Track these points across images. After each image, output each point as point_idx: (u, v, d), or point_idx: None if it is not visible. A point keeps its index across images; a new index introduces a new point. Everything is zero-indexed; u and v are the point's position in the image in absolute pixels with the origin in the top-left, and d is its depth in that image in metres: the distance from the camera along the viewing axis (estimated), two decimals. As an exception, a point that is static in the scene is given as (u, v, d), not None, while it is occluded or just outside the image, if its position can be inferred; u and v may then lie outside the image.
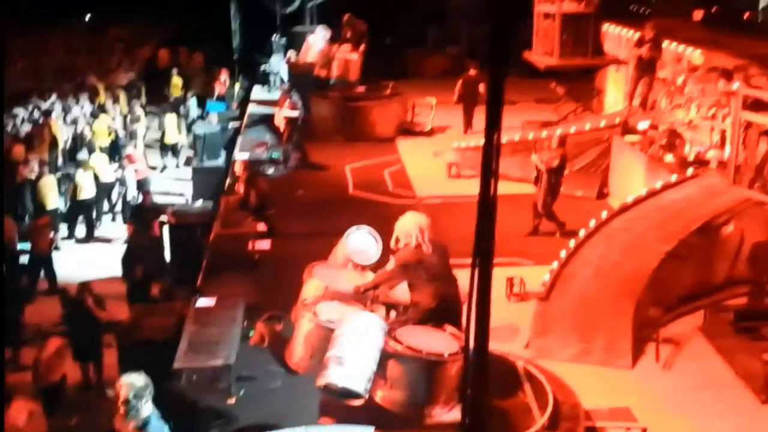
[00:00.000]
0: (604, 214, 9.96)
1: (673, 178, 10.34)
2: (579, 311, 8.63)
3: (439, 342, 6.37)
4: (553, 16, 13.87)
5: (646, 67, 12.93)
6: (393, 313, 6.95)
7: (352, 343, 6.21)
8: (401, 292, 7.21)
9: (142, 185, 15.17)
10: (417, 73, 19.14)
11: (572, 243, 9.42)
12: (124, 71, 21.27)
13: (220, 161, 15.74)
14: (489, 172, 1.83)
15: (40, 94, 18.65)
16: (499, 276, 9.41)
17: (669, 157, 11.09)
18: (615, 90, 15.82)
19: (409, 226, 6.70)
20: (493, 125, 1.73)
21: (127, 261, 10.97)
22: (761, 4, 20.06)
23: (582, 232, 9.68)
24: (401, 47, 20.49)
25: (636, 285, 8.78)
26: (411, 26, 21.67)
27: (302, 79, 15.98)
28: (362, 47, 16.46)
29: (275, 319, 7.67)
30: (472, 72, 15.56)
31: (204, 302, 8.61)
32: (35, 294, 12.45)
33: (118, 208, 15.47)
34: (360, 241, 7.78)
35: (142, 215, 12.65)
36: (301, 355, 6.57)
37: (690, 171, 10.40)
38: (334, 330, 6.35)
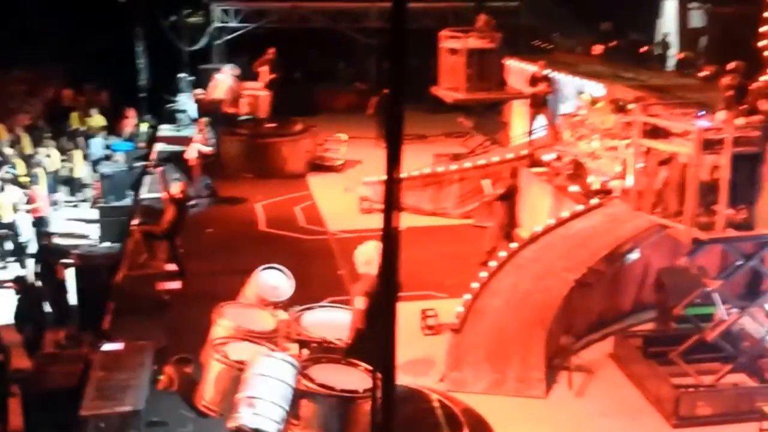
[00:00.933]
0: (514, 245, 10.13)
1: (579, 207, 10.59)
2: (492, 342, 8.69)
3: (353, 379, 6.30)
4: (459, 51, 14.15)
5: (541, 103, 13.34)
6: (305, 351, 6.86)
7: (262, 384, 6.09)
8: (318, 328, 7.14)
9: (42, 225, 14.62)
10: (326, 108, 19.22)
11: (484, 274, 9.53)
12: (25, 113, 20.63)
13: (127, 201, 15.32)
14: (391, 205, 1.80)
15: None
16: (414, 309, 9.45)
17: (574, 188, 11.37)
18: (521, 123, 16.20)
19: (371, 253, 6.67)
20: (393, 160, 1.70)
21: (25, 307, 10.54)
22: (657, 38, 21.01)
23: (493, 263, 9.81)
24: (310, 83, 20.56)
25: (547, 314, 8.92)
26: (320, 63, 21.79)
27: (211, 117, 15.79)
28: (270, 84, 16.40)
29: (184, 361, 7.45)
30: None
31: (111, 347, 8.33)
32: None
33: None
34: (271, 279, 7.69)
35: (44, 257, 12.17)
36: (212, 397, 6.41)
37: (595, 200, 10.67)
38: (245, 371, 6.22)
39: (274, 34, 18.66)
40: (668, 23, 20.79)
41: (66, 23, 19.64)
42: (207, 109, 15.77)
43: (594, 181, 11.18)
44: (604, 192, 10.87)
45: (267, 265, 7.69)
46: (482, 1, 17.08)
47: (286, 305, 7.60)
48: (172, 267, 10.81)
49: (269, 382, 6.09)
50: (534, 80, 13.37)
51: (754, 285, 9.62)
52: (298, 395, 6.15)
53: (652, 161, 8.51)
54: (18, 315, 10.64)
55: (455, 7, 19.91)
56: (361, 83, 20.92)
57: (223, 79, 15.91)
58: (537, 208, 12.14)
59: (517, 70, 15.82)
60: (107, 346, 8.34)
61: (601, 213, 10.37)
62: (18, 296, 10.93)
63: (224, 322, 6.92)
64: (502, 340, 8.67)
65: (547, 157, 12.58)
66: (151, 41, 21.20)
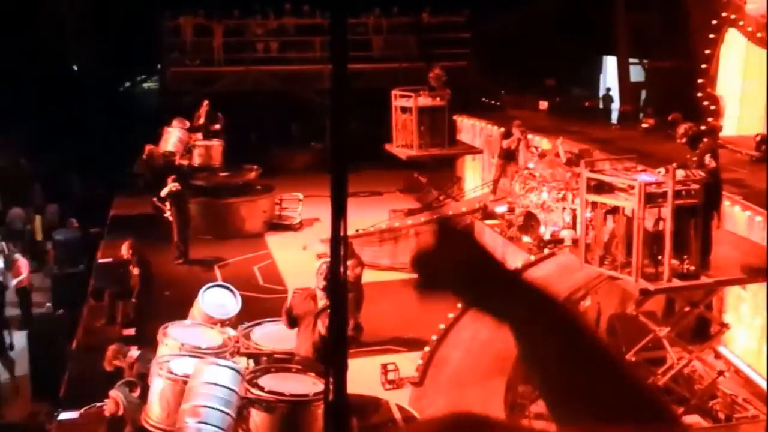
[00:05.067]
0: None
1: (531, 258, 10.85)
2: (452, 393, 8.78)
3: (303, 386, 6.35)
4: (410, 109, 14.53)
5: (511, 156, 13.64)
6: (252, 364, 6.91)
7: (207, 392, 6.04)
8: (267, 341, 7.20)
9: (26, 295, 14.44)
10: (282, 168, 19.40)
11: (442, 326, 9.67)
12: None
13: (81, 267, 15.16)
14: (337, 260, 1.95)
15: None
16: (374, 364, 9.53)
17: (526, 238, 11.66)
18: (473, 176, 16.59)
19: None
20: (338, 215, 1.86)
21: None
22: (600, 93, 21.74)
23: (451, 315, 9.96)
24: (266, 143, 20.77)
25: (505, 363, 9.05)
26: (275, 124, 22.04)
27: (163, 170, 15.55)
28: (220, 132, 16.49)
29: (129, 384, 7.34)
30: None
31: (67, 416, 8.22)
32: None
33: None
34: (216, 297, 7.72)
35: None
36: (158, 415, 6.35)
37: (546, 250, 10.95)
38: (189, 382, 6.20)
39: (228, 98, 18.88)
40: (610, 78, 21.57)
41: (19, 91, 19.64)
42: (158, 162, 15.67)
43: (545, 232, 11.49)
44: (555, 242, 11.15)
45: (212, 284, 7.74)
46: (431, 62, 17.57)
47: (234, 323, 7.64)
48: (129, 331, 10.74)
49: (213, 390, 6.03)
50: (508, 134, 13.68)
51: (703, 328, 9.92)
52: (247, 403, 6.12)
53: (599, 213, 8.84)
54: None
55: (406, 67, 20.43)
56: (316, 143, 21.20)
57: (173, 132, 15.91)
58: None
59: (469, 125, 16.26)
60: (63, 416, 8.22)
61: (553, 262, 10.63)
62: None
63: (169, 341, 6.90)
64: (462, 391, 8.76)
65: (499, 209, 12.89)
66: (106, 107, 21.26)
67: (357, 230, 13.56)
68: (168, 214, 14.23)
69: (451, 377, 9.00)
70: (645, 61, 20.26)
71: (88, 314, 11.21)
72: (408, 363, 9.50)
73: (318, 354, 6.74)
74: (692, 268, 8.42)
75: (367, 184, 17.18)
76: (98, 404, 7.86)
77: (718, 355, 10.04)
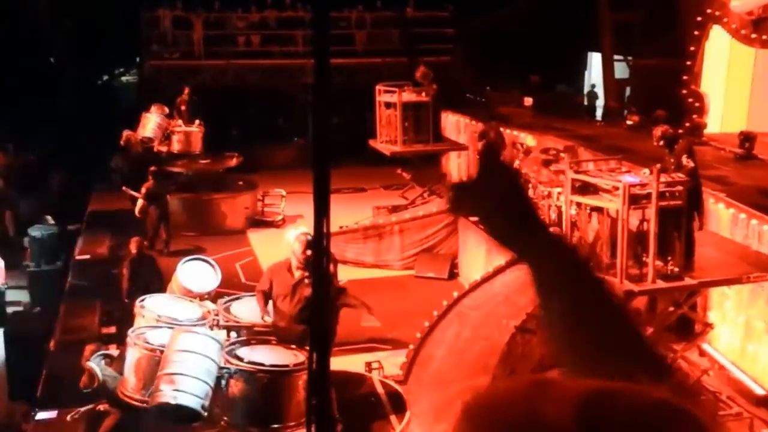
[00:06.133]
0: (456, 294, 10.23)
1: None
2: (436, 391, 8.72)
3: (283, 357, 6.30)
4: (394, 105, 14.43)
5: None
6: (234, 335, 6.84)
7: (183, 360, 5.95)
8: (247, 314, 7.12)
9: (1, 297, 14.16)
10: (265, 165, 19.23)
11: (427, 324, 9.59)
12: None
13: (55, 265, 14.90)
14: (321, 256, 1.87)
15: None
16: (358, 362, 9.43)
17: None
18: (458, 173, 16.50)
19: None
20: (321, 211, 1.75)
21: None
22: (585, 89, 21.72)
23: (435, 313, 9.88)
24: (248, 138, 20.60)
25: (489, 361, 9.00)
26: (257, 119, 21.86)
27: (141, 157, 15.31)
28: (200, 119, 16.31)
29: (105, 357, 7.20)
30: None
31: (44, 416, 8.07)
32: None
33: None
34: (194, 270, 7.63)
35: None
36: (134, 385, 6.24)
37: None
38: (167, 351, 6.09)
39: (209, 92, 18.68)
40: (594, 75, 21.56)
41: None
42: (137, 149, 15.44)
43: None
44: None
45: (191, 257, 7.64)
46: (415, 57, 17.48)
47: (213, 297, 7.55)
48: (109, 330, 10.55)
49: (190, 358, 5.94)
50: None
51: (686, 325, 9.91)
52: (227, 374, 6.04)
53: (584, 213, 8.80)
54: None
55: (389, 62, 20.31)
56: (299, 138, 21.04)
57: (152, 117, 15.67)
58: (475, 257, 12.30)
59: (454, 122, 16.17)
60: (40, 415, 8.08)
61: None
62: None
63: (146, 312, 6.79)
64: (446, 389, 8.70)
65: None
66: (84, 101, 20.97)
67: (341, 227, 13.44)
68: (138, 206, 14.01)
69: (434, 375, 8.94)
70: (629, 58, 20.26)
71: (65, 312, 11.02)
72: (393, 361, 9.40)
73: (296, 324, 6.73)
74: (676, 269, 8.43)
75: (351, 181, 17.06)
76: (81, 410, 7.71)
77: (702, 353, 10.03)
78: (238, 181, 16.82)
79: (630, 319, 1.48)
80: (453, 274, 13.07)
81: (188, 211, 15.82)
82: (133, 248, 10.71)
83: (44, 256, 14.97)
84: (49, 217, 16.63)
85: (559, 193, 10.91)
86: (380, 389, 7.35)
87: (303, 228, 7.34)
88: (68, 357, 9.70)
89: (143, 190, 13.93)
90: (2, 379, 10.83)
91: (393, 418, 6.92)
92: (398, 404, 6.90)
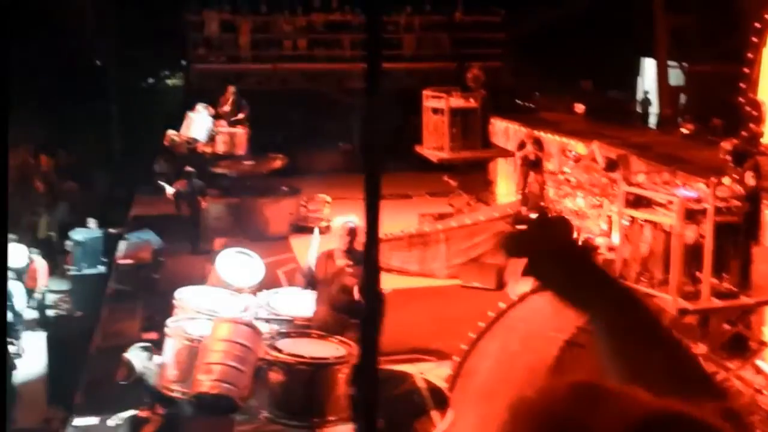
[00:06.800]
0: (503, 305, 9.91)
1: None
2: (482, 405, 8.44)
3: (324, 350, 6.15)
4: (442, 110, 14.16)
5: (532, 165, 13.31)
6: (274, 327, 6.73)
7: (222, 349, 5.84)
8: (287, 308, 7.04)
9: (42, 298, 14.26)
10: (309, 170, 19.11)
11: (472, 335, 9.31)
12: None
13: (100, 269, 14.90)
14: (372, 264, 1.68)
15: None
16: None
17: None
18: (506, 181, 16.16)
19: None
20: (373, 222, 1.56)
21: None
22: (638, 96, 21.19)
23: (481, 324, 9.59)
24: (292, 143, 20.52)
25: (536, 375, 8.69)
26: (301, 124, 21.77)
27: (186, 159, 15.24)
28: (244, 120, 16.19)
29: (145, 349, 7.13)
30: None
31: (82, 422, 7.98)
32: None
33: None
34: (234, 263, 7.57)
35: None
36: (174, 376, 6.13)
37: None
38: (206, 341, 5.99)
39: (253, 96, 18.62)
40: (648, 81, 21.02)
41: (37, 86, 19.48)
42: (181, 150, 15.36)
43: (579, 239, 11.08)
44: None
45: (231, 249, 7.59)
46: (464, 62, 17.18)
47: (253, 289, 7.50)
48: (150, 335, 10.46)
49: (230, 348, 5.85)
50: (522, 144, 13.34)
51: (739, 342, 9.52)
52: (266, 365, 5.93)
53: (637, 227, 8.52)
54: None
55: (438, 67, 20.04)
56: (344, 144, 20.89)
57: (198, 118, 15.58)
58: (521, 267, 11.96)
59: (502, 128, 15.85)
60: (78, 422, 8.00)
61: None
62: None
63: (185, 304, 6.72)
64: (491, 404, 8.41)
65: (532, 215, 12.49)
66: (129, 104, 21.07)
67: (385, 235, 13.20)
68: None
69: (480, 389, 8.65)
70: (684, 63, 19.71)
71: (106, 317, 10.96)
72: (437, 372, 9.15)
73: (336, 313, 6.64)
74: (732, 287, 8.11)
75: (396, 187, 16.81)
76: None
77: (758, 371, 9.61)
78: (281, 185, 16.69)
79: (678, 339, 1.49)
80: (500, 285, 12.75)
81: (231, 216, 15.72)
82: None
83: (86, 259, 15.00)
84: (92, 221, 16.71)
85: (611, 202, 10.60)
86: (422, 385, 7.21)
87: (352, 216, 7.21)
88: (108, 363, 9.65)
89: (175, 189, 13.87)
90: (42, 383, 10.81)
91: (435, 414, 6.76)
92: (440, 401, 6.74)
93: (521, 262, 1.67)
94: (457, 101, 14.17)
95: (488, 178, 16.75)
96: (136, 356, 6.83)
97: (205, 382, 5.83)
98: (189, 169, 14.20)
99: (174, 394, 6.25)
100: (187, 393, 6.07)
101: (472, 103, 14.15)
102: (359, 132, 21.31)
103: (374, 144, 1.46)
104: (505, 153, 15.53)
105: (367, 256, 1.77)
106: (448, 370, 8.86)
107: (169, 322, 6.68)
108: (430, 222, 14.47)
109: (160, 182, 14.32)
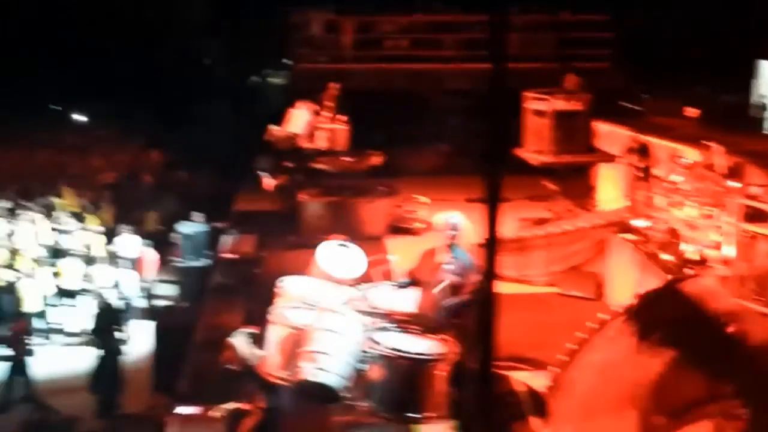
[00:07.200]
0: (604, 316, 9.56)
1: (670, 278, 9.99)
2: (581, 420, 8.17)
3: (423, 345, 6.08)
4: (544, 113, 13.81)
5: (640, 172, 12.84)
6: (376, 320, 6.71)
7: (327, 339, 5.85)
8: (387, 303, 7.01)
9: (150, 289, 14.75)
10: (405, 169, 19.02)
11: (571, 346, 9.02)
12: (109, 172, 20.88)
13: (203, 262, 15.24)
14: (491, 267, 1.55)
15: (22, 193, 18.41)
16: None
17: (666, 256, 10.77)
18: (608, 187, 15.63)
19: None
20: (493, 225, 1.42)
21: (102, 368, 10.49)
22: (755, 100, 20.20)
23: (580, 335, 9.28)
24: (392, 145, 20.49)
25: (640, 391, 8.34)
26: (401, 124, 21.72)
27: (286, 154, 15.39)
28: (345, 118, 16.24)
29: (250, 336, 7.22)
30: None
31: (185, 410, 8.11)
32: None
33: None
34: (332, 255, 7.60)
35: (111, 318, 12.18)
36: (277, 363, 6.19)
37: (690, 271, 10.06)
38: (309, 330, 5.99)
39: (355, 96, 18.68)
40: (765, 84, 20.00)
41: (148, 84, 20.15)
42: (282, 144, 15.53)
43: (688, 250, 10.59)
44: (699, 262, 10.25)
45: (334, 241, 7.62)
46: (567, 62, 16.74)
47: (352, 283, 7.52)
48: (252, 329, 10.58)
49: (334, 338, 5.85)
50: (630, 149, 12.90)
51: None
52: (368, 358, 5.92)
53: (752, 242, 8.06)
54: (94, 377, 10.58)
55: (539, 67, 19.59)
56: (443, 145, 20.71)
57: (299, 114, 15.73)
58: (625, 277, 11.56)
59: (607, 132, 15.33)
60: (181, 410, 8.13)
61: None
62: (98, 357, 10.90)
63: (287, 293, 6.75)
64: (591, 418, 8.14)
65: (638, 223, 12.03)
66: (235, 103, 21.53)
67: (484, 239, 12.97)
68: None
69: (578, 403, 8.38)
70: (803, 66, 18.65)
71: (209, 310, 11.17)
72: (533, 382, 8.89)
73: (438, 312, 6.58)
74: None
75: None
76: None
77: None
78: (379, 185, 16.66)
79: None
80: (600, 294, 12.35)
81: (328, 214, 15.77)
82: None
83: (193, 252, 15.42)
84: (198, 215, 17.15)
85: (724, 213, 10.07)
86: (519, 387, 7.06)
87: (454, 213, 7.16)
88: (210, 354, 9.79)
89: (275, 183, 14.03)
90: (148, 370, 11.11)
91: (532, 419, 6.59)
92: (539, 407, 6.58)
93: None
94: (561, 103, 13.82)
95: (590, 183, 16.26)
96: (240, 341, 6.96)
97: (309, 370, 5.85)
98: (288, 164, 14.35)
99: (277, 381, 6.32)
100: (289, 380, 6.12)
101: (576, 105, 13.76)
102: (457, 133, 21.10)
103: (496, 148, 1.34)
104: (609, 158, 15.04)
105: (487, 263, 1.66)
106: (544, 380, 8.62)
107: (272, 309, 6.75)
108: (529, 227, 14.15)
109: (260, 173, 14.53)
